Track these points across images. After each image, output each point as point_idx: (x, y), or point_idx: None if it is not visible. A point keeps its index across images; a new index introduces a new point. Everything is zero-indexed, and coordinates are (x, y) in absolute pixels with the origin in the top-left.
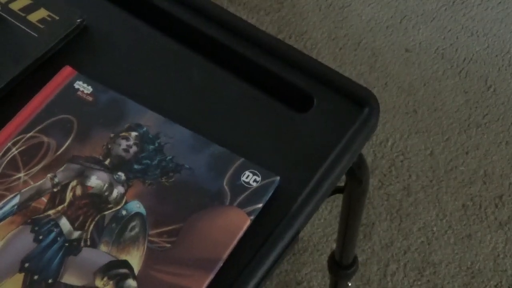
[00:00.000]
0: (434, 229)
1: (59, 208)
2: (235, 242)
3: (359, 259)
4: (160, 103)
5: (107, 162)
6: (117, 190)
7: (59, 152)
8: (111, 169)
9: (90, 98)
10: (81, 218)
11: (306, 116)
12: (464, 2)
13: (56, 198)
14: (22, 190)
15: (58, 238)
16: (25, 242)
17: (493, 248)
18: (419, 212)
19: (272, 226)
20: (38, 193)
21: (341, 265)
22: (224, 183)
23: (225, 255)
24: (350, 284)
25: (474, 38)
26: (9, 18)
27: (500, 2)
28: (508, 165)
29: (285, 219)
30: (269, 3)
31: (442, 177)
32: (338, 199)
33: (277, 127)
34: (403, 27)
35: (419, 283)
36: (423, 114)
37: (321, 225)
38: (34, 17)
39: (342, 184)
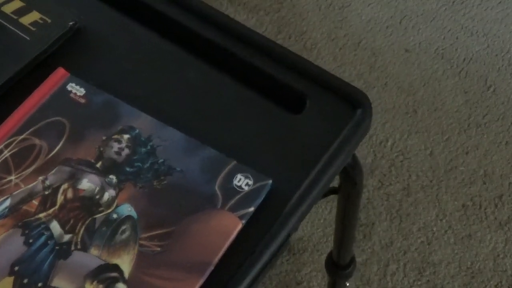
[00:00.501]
0: (434, 229)
1: (50, 211)
2: (226, 245)
3: (359, 259)
4: (155, 105)
5: (98, 165)
6: (109, 193)
7: (51, 155)
8: (103, 172)
9: (82, 100)
10: (72, 221)
11: (300, 117)
12: (464, 2)
13: (47, 201)
14: (13, 193)
15: (49, 242)
16: (16, 245)
17: (493, 248)
18: (419, 212)
19: (264, 228)
20: (29, 196)
21: (338, 265)
22: (216, 187)
23: (216, 259)
24: (348, 284)
25: (474, 38)
26: (1, 21)
27: (500, 2)
28: (508, 165)
29: (277, 221)
30: (269, 3)
31: (442, 177)
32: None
33: (271, 128)
34: (403, 27)
35: (419, 283)
36: (423, 114)
37: (321, 225)
38: (26, 20)
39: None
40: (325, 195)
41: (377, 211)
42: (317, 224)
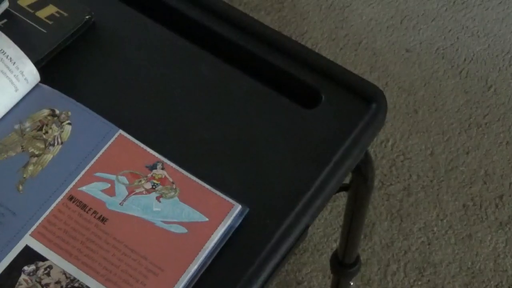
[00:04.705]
0: (435, 229)
1: None
2: None
3: None
4: (167, 99)
5: None
6: None
7: None
8: None
9: None
10: None
11: (314, 112)
12: (465, 2)
13: None
14: None
15: None
16: None
17: (493, 248)
18: (420, 212)
19: (280, 221)
20: None
21: (343, 264)
22: None
23: None
24: (352, 284)
25: (474, 38)
26: (18, 15)
27: (500, 2)
28: (508, 165)
29: (293, 214)
30: (270, 3)
31: (442, 177)
32: (339, 199)
33: (285, 123)
34: (404, 27)
35: (419, 283)
36: (424, 114)
37: (321, 225)
38: (42, 13)
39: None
40: (336, 191)
41: (377, 211)
42: (317, 224)
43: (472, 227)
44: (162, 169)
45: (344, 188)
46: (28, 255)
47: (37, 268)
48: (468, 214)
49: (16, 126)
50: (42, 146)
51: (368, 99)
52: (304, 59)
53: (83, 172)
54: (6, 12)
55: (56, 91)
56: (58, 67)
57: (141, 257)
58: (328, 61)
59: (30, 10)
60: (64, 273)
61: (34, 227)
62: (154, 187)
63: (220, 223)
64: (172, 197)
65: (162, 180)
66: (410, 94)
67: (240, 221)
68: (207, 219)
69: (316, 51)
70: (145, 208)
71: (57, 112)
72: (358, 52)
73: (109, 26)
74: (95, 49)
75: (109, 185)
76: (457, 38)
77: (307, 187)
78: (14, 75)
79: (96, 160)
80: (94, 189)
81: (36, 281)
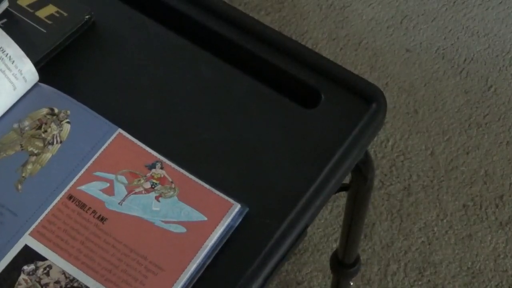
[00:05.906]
0: (435, 229)
1: None
2: None
3: None
4: (167, 99)
5: None
6: None
7: None
8: None
9: None
10: None
11: (314, 112)
12: (465, 2)
13: None
14: None
15: None
16: None
17: (493, 248)
18: (420, 212)
19: (280, 221)
20: None
21: (343, 264)
22: None
23: None
24: (352, 284)
25: (474, 38)
26: (18, 14)
27: (500, 2)
28: (508, 165)
29: (292, 214)
30: (270, 3)
31: (442, 177)
32: (339, 199)
33: (285, 123)
34: (404, 27)
35: (419, 283)
36: (424, 114)
37: (321, 225)
38: (42, 13)
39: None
40: (337, 190)
41: (377, 211)
42: (317, 224)
43: (472, 227)
44: (161, 168)
45: (344, 188)
46: (28, 255)
47: (37, 268)
48: (468, 214)
49: (15, 125)
50: (41, 145)
51: (368, 99)
52: (304, 59)
53: (82, 171)
54: (6, 11)
55: (55, 90)
56: (58, 67)
57: (140, 256)
58: (328, 61)
59: (30, 10)
60: (64, 272)
61: (34, 226)
62: (153, 186)
63: (219, 222)
64: (171, 196)
65: (161, 180)
66: (410, 94)
67: (239, 220)
68: (206, 219)
69: (316, 51)
70: (144, 207)
71: (56, 111)
72: (358, 52)
73: (109, 26)
74: (95, 49)
75: (108, 184)
76: (457, 38)
77: (307, 187)
78: (13, 74)
79: (95, 159)
80: (93, 189)
81: (35, 280)
